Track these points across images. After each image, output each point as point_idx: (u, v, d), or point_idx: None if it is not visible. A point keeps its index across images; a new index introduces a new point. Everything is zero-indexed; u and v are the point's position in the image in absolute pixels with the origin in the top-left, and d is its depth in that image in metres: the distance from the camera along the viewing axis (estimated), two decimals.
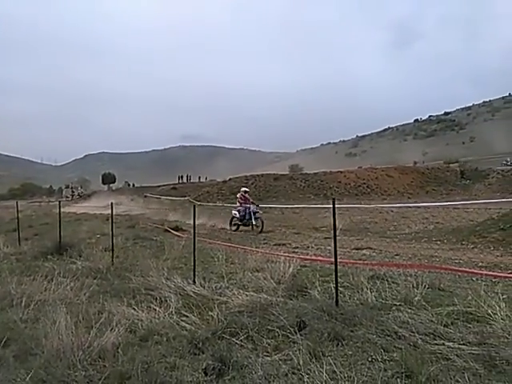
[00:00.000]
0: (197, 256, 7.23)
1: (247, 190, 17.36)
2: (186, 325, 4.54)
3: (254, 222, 15.20)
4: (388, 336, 3.95)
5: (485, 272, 6.92)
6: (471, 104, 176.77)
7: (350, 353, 3.65)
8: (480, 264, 8.24)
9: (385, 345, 3.75)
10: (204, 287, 6.06)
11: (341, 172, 43.71)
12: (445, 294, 5.51)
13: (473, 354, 3.51)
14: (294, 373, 3.35)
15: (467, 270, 7.22)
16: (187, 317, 4.78)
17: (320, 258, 8.92)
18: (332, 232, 5.75)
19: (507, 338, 3.73)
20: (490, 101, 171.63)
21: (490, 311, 4.26)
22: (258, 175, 42.13)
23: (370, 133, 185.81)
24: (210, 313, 4.80)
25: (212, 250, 9.61)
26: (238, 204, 16.03)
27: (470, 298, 4.92)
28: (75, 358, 3.63)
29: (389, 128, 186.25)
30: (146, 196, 42.08)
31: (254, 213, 15.39)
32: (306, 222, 18.32)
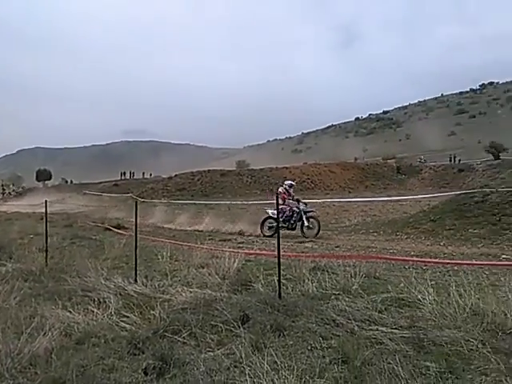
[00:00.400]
0: (139, 254, 7.02)
1: (293, 183, 13.76)
2: (126, 325, 4.41)
3: (306, 224, 12.31)
4: (327, 324, 4.09)
5: (416, 259, 7.40)
6: (407, 103, 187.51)
7: (291, 343, 3.73)
8: (412, 253, 8.81)
9: (324, 333, 3.88)
10: (146, 286, 5.91)
11: (286, 168, 44.54)
12: (380, 281, 5.82)
13: (404, 337, 3.73)
14: (236, 366, 3.37)
15: (400, 258, 7.68)
16: (127, 317, 4.63)
17: (264, 252, 9.03)
18: (278, 229, 5.83)
19: (434, 321, 4.01)
20: (424, 100, 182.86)
21: (419, 296, 4.55)
22: (204, 171, 41.75)
23: (314, 130, 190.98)
24: (151, 312, 4.69)
25: (156, 247, 9.39)
26: (281, 202, 11.90)
27: (402, 284, 5.24)
28: (3, 367, 3.39)
29: (332, 125, 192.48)
30: (85, 193, 40.13)
31: (305, 212, 12.55)
32: (252, 218, 18.46)
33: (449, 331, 3.75)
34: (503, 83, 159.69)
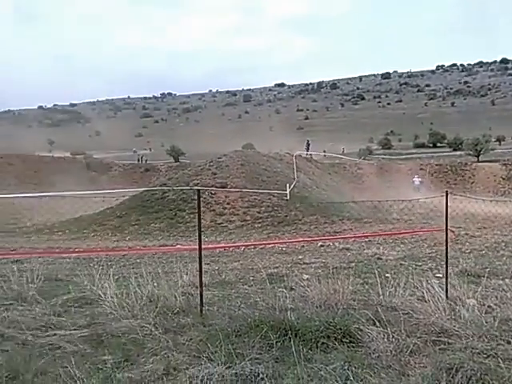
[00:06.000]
0: None
1: None
2: None
3: None
4: None
5: (101, 251, 7.43)
6: (96, 100, 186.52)
7: None
8: (99, 249, 8.81)
9: None
10: None
11: None
12: (62, 283, 5.52)
13: (83, 336, 3.65)
14: None
15: (82, 252, 7.53)
16: None
17: None
18: None
19: (113, 314, 4.13)
20: (112, 99, 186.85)
21: (101, 292, 4.58)
22: None
23: None
24: None
25: None
26: None
27: (85, 283, 5.13)
28: None
29: (9, 110, 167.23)
30: None
31: None
32: None
33: (126, 321, 3.95)
34: (180, 95, 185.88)
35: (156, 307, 4.29)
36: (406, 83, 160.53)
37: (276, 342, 3.44)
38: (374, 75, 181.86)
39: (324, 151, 41.22)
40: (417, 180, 28.78)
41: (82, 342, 3.52)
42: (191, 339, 3.63)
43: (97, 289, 4.67)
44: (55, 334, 3.69)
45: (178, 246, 9.64)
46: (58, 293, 4.96)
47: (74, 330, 3.79)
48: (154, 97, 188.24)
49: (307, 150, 36.98)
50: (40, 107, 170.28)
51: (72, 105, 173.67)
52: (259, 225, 12.00)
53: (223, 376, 2.95)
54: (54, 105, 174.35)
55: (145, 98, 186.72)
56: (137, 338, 3.66)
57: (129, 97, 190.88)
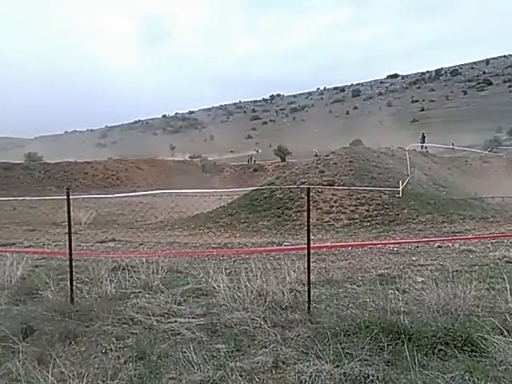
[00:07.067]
0: None
1: None
2: None
3: None
4: (124, 324, 3.98)
5: (215, 251, 7.93)
6: (211, 106, 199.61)
7: (83, 349, 3.48)
8: (213, 245, 9.41)
9: (120, 333, 3.76)
10: None
11: (88, 163, 41.15)
12: (181, 275, 6.00)
13: (199, 324, 3.95)
14: None
15: (199, 251, 8.11)
16: None
17: (55, 252, 8.15)
18: (69, 226, 5.30)
19: (226, 306, 4.38)
20: (225, 105, 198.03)
21: (215, 285, 4.89)
22: None
23: (120, 124, 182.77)
24: None
25: None
26: None
27: (201, 276, 5.53)
28: None
29: (139, 120, 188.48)
30: None
31: None
32: (45, 217, 16.40)
33: (238, 313, 4.15)
34: (288, 96, 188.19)
35: (265, 301, 4.42)
36: None
37: (387, 345, 3.28)
38: (505, 56, 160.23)
39: (452, 144, 37.50)
40: None
41: (199, 330, 3.80)
42: (299, 335, 3.67)
43: (211, 281, 5.00)
44: (176, 321, 4.05)
45: (285, 243, 9.79)
46: (178, 283, 5.42)
47: (192, 318, 4.11)
48: (264, 99, 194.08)
49: (422, 143, 34.33)
50: (164, 116, 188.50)
51: (190, 112, 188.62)
52: (368, 223, 11.54)
53: (331, 374, 2.91)
54: (176, 113, 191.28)
55: (254, 101, 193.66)
56: (248, 329, 3.83)
57: (240, 101, 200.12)
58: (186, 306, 4.51)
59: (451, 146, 36.55)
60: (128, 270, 5.86)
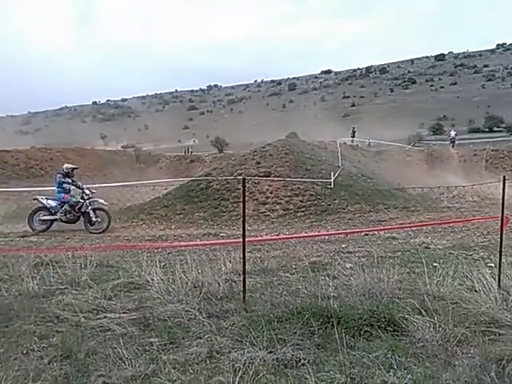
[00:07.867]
0: None
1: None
2: None
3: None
4: (48, 322, 3.74)
5: (148, 244, 7.73)
6: (145, 94, 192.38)
7: (2, 351, 3.22)
8: (146, 238, 9.16)
9: (44, 332, 3.53)
10: None
11: (8, 151, 37.82)
12: (112, 269, 5.77)
13: (131, 319, 3.83)
14: None
15: (130, 245, 7.85)
16: None
17: None
18: None
19: (160, 299, 4.29)
20: (160, 93, 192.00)
21: (149, 278, 4.76)
22: None
23: (44, 110, 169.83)
24: None
25: None
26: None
27: (133, 269, 5.36)
28: None
29: (66, 107, 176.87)
30: None
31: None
32: None
33: (172, 305, 4.08)
34: (225, 87, 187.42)
35: (200, 293, 4.40)
36: (461, 64, 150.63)
37: (318, 329, 3.42)
38: (427, 57, 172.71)
39: (368, 139, 39.88)
40: (453, 133, 37.41)
41: (131, 325, 3.68)
42: (234, 324, 3.70)
43: (145, 274, 4.86)
44: (105, 317, 3.88)
45: (221, 234, 9.81)
46: (109, 278, 5.20)
47: (123, 312, 3.97)
48: (201, 89, 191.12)
49: (353, 137, 36.05)
50: (94, 103, 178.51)
51: (123, 100, 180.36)
52: (302, 213, 11.91)
53: (265, 360, 2.98)
54: (107, 100, 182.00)
55: (191, 90, 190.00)
56: (182, 321, 3.78)
57: (176, 90, 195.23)
58: (116, 300, 4.34)
59: (367, 141, 38.72)
60: (53, 266, 5.50)
